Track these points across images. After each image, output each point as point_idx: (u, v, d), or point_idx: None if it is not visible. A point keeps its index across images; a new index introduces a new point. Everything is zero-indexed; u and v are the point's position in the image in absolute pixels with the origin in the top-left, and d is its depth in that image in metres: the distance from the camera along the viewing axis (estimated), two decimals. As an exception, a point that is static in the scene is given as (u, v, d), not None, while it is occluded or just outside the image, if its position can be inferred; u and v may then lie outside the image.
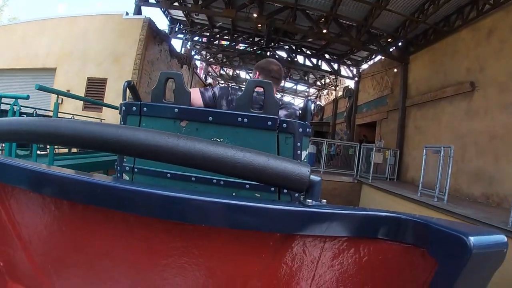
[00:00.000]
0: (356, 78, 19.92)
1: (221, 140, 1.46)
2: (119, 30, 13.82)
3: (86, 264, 0.75)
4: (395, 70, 14.78)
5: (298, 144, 1.47)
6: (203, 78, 26.96)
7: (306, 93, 32.78)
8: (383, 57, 16.72)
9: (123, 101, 1.60)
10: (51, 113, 11.02)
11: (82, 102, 12.68)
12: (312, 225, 0.66)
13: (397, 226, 0.66)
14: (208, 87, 1.93)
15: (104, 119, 12.59)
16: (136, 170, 1.57)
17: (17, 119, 0.71)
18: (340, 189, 12.59)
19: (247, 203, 0.63)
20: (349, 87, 20.80)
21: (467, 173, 9.80)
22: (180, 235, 0.69)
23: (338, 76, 23.18)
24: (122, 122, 1.53)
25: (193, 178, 1.50)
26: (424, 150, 9.42)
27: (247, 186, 1.49)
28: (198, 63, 24.23)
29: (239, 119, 1.43)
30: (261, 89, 1.62)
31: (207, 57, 25.05)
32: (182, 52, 19.88)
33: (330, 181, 12.47)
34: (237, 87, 2.04)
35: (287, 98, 34.93)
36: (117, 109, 1.79)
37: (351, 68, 20.25)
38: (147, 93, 13.95)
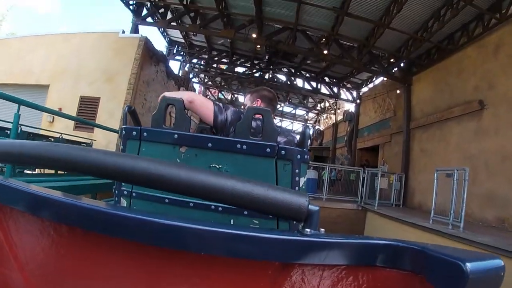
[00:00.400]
0: (357, 101, 19.52)
1: (220, 166, 1.46)
2: (114, 49, 13.46)
3: None
4: (398, 91, 14.37)
5: (297, 170, 1.47)
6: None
7: (305, 117, 32.46)
8: (385, 79, 16.41)
9: (123, 125, 1.60)
10: (41, 131, 10.78)
11: (73, 121, 12.22)
12: (310, 254, 0.66)
13: (394, 253, 0.67)
14: (222, 107, 1.87)
15: (95, 140, 12.04)
16: (134, 194, 1.55)
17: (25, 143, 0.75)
18: (344, 217, 11.83)
19: (246, 233, 0.64)
20: (350, 110, 20.40)
21: (479, 196, 9.12)
22: (180, 263, 0.69)
23: (338, 100, 22.86)
24: (122, 146, 1.55)
25: (191, 204, 1.48)
26: (436, 174, 8.76)
27: (245, 213, 1.46)
28: (196, 86, 23.87)
29: (238, 146, 1.43)
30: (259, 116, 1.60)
31: (205, 80, 24.74)
32: (180, 74, 19.55)
33: (333, 209, 11.74)
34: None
35: (285, 123, 34.71)
36: (109, 131, 2.29)
37: (351, 91, 19.91)
38: (141, 114, 13.61)
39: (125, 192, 1.56)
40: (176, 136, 1.48)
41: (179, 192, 0.67)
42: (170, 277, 0.71)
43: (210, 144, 1.46)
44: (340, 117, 23.93)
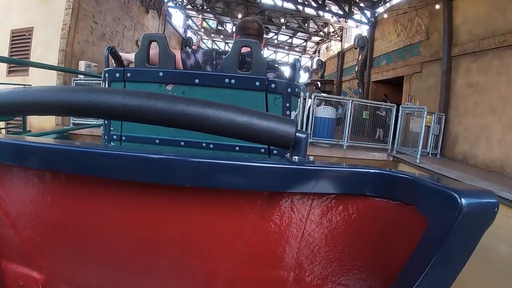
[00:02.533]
0: (372, 22, 15.97)
1: None
2: None
3: (75, 234, 0.74)
4: (437, 6, 10.89)
5: (287, 104, 1.45)
6: (181, 31, 22.59)
7: (304, 46, 28.67)
8: None
9: (105, 67, 1.56)
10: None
11: (6, 64, 9.29)
12: (298, 182, 0.65)
13: (385, 182, 0.65)
14: (190, 52, 1.79)
15: (30, 85, 8.81)
16: (124, 138, 1.54)
17: None
18: (369, 170, 9.10)
19: (232, 162, 0.62)
20: (362, 35, 16.87)
21: None
22: (167, 197, 0.68)
23: (346, 22, 19.20)
24: None
25: (182, 143, 1.50)
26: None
27: (237, 148, 1.48)
28: (173, 10, 19.78)
29: (226, 80, 1.41)
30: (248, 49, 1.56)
31: (183, 3, 20.54)
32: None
33: (357, 160, 9.00)
34: (221, 51, 1.87)
35: (280, 54, 30.96)
36: (50, 69, 2.89)
37: (365, 10, 16.24)
38: (90, 43, 10.37)
39: (115, 136, 1.54)
40: (161, 74, 1.44)
41: (158, 123, 0.62)
42: (156, 213, 0.69)
43: (197, 80, 1.44)
44: (347, 45, 20.46)
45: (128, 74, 1.47)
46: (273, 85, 1.43)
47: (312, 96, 8.76)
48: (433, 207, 0.57)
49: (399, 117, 9.45)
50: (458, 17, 10.26)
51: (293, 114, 1.49)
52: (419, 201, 0.60)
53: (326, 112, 9.11)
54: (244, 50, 1.59)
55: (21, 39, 9.51)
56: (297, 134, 0.64)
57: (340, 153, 8.87)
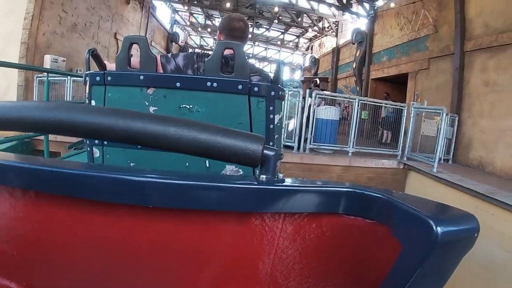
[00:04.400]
0: (371, 15, 14.95)
1: (191, 106, 1.43)
2: None
3: (49, 248, 0.74)
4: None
5: (271, 108, 1.43)
6: (168, 27, 21.30)
7: (296, 42, 27.59)
8: None
9: (86, 70, 1.51)
10: None
11: None
12: (266, 203, 0.65)
13: (359, 201, 0.66)
14: (170, 56, 1.77)
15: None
16: (105, 143, 1.50)
17: None
18: (377, 180, 7.99)
19: (198, 183, 0.62)
20: (361, 29, 15.84)
21: None
22: (137, 215, 0.67)
23: (341, 19, 18.17)
24: (87, 94, 1.46)
25: None
26: None
27: None
28: (157, 3, 18.49)
29: (208, 83, 1.39)
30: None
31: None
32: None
33: (364, 169, 7.90)
34: (203, 53, 1.81)
35: (271, 51, 29.89)
36: (9, 67, 2.40)
37: (363, 3, 15.21)
38: (57, 34, 9.15)
39: (96, 141, 1.49)
40: (142, 77, 1.41)
41: (118, 140, 0.62)
42: (128, 230, 0.68)
43: (178, 84, 1.40)
44: (342, 41, 19.43)
45: (109, 78, 1.42)
46: (256, 88, 1.41)
47: (313, 95, 7.61)
48: (408, 232, 0.56)
49: (408, 118, 8.43)
50: (472, 9, 9.27)
51: (277, 117, 1.47)
52: (393, 223, 0.60)
53: (328, 112, 7.93)
54: (228, 52, 1.52)
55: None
56: (265, 151, 0.62)
57: (345, 161, 7.77)
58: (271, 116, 1.45)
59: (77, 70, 9.88)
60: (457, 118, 9.07)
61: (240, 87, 1.39)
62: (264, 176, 0.63)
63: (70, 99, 7.82)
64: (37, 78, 7.84)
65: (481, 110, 8.72)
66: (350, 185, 0.68)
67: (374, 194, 0.64)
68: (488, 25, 8.69)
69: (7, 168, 0.63)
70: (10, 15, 7.97)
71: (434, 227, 0.50)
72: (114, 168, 0.68)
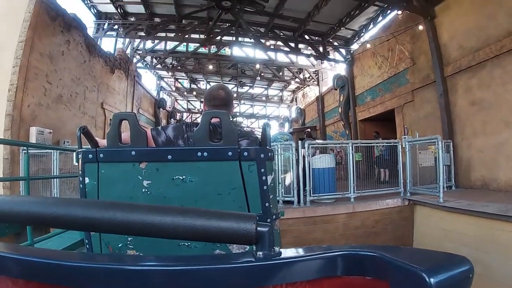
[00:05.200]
0: (348, 60, 15.26)
1: (184, 177, 1.44)
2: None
3: None
4: (420, 27, 10.08)
5: (262, 170, 1.45)
6: (154, 93, 21.61)
7: (280, 96, 28.09)
8: (385, 22, 12.52)
9: (78, 148, 1.54)
10: None
11: None
12: (267, 277, 0.66)
13: (355, 262, 0.68)
14: (160, 129, 1.85)
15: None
16: None
17: None
18: (384, 221, 7.49)
19: (199, 267, 0.64)
20: (341, 74, 16.08)
21: None
22: None
23: (320, 68, 18.59)
24: (80, 171, 1.48)
25: None
26: None
27: None
28: (142, 71, 18.85)
29: (199, 153, 1.41)
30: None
31: (153, 64, 19.72)
32: (115, 53, 14.62)
33: (369, 212, 7.42)
34: (191, 123, 1.91)
35: (257, 107, 30.35)
36: None
37: (339, 49, 15.60)
38: (42, 106, 8.94)
39: None
40: (133, 153, 1.43)
41: (117, 232, 0.66)
42: None
43: (170, 156, 1.43)
44: (324, 88, 19.73)
45: (101, 155, 1.44)
46: (245, 153, 1.42)
47: (306, 145, 7.30)
48: (405, 286, 0.58)
49: (404, 153, 8.11)
50: (445, 34, 9.47)
51: (269, 178, 1.48)
52: (390, 278, 0.62)
53: (324, 161, 7.58)
54: (215, 120, 1.59)
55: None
56: (259, 228, 0.64)
57: (348, 208, 7.31)
58: (264, 177, 1.45)
59: (64, 142, 9.57)
60: (451, 143, 8.83)
61: (230, 153, 1.41)
62: (261, 253, 0.65)
63: (57, 173, 7.43)
64: (23, 151, 7.47)
65: (474, 130, 8.53)
66: (345, 246, 0.71)
67: (369, 254, 0.67)
68: (463, 46, 8.80)
69: (13, 261, 0.66)
70: None
71: (427, 279, 0.53)
72: (110, 257, 0.79)
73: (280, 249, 0.69)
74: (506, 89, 7.55)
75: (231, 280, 0.65)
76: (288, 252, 0.70)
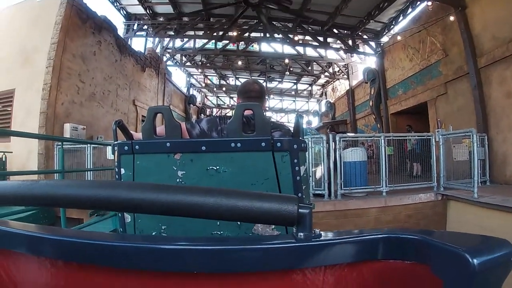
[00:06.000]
0: (379, 52, 15.06)
1: (218, 167, 1.46)
2: (31, 18, 9.28)
3: None
4: (451, 18, 9.86)
5: (295, 160, 1.45)
6: (184, 90, 22.14)
7: (310, 90, 27.95)
8: (416, 13, 12.30)
9: (114, 141, 1.57)
10: None
11: None
12: (306, 258, 0.67)
13: (396, 245, 0.68)
14: (194, 122, 1.92)
15: (11, 152, 7.92)
16: None
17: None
18: (417, 216, 7.49)
19: (236, 247, 0.68)
20: (371, 67, 15.90)
21: None
22: (176, 283, 0.70)
23: (350, 61, 18.41)
24: (116, 162, 1.52)
25: None
26: None
27: None
28: (172, 69, 19.36)
29: (232, 144, 1.43)
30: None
31: (183, 61, 20.18)
32: (146, 53, 15.14)
33: (402, 206, 7.41)
34: (225, 116, 2.30)
35: (287, 102, 30.35)
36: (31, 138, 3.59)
37: (369, 42, 15.42)
38: (75, 103, 9.46)
39: None
40: (168, 144, 1.46)
41: (162, 213, 0.67)
42: None
43: (204, 147, 1.45)
44: (354, 82, 19.54)
45: (137, 147, 1.48)
46: (278, 144, 1.43)
47: (337, 139, 7.37)
48: (446, 268, 0.58)
49: (438, 147, 8.02)
50: (477, 25, 9.21)
51: (302, 169, 1.47)
52: (431, 261, 0.61)
53: (355, 154, 7.63)
54: (248, 112, 1.64)
55: (1, 103, 8.77)
56: (300, 210, 0.65)
57: (380, 202, 7.34)
58: (297, 168, 1.46)
59: (97, 137, 10.08)
60: (486, 137, 8.62)
61: (263, 144, 1.43)
62: (301, 234, 0.66)
63: (91, 166, 7.88)
64: (57, 146, 7.96)
65: (510, 124, 8.31)
66: (386, 230, 0.70)
67: (410, 236, 0.66)
68: (496, 37, 8.55)
69: (51, 242, 0.70)
70: (31, 88, 8.38)
71: (471, 260, 0.52)
72: (162, 238, 0.79)
73: (321, 231, 0.70)
74: (543, 80, 7.32)
75: (272, 260, 0.66)
76: (329, 235, 0.71)
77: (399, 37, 13.26)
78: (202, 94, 28.91)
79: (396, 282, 0.69)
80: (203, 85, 26.50)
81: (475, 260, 0.52)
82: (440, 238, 0.63)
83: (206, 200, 0.64)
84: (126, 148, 1.48)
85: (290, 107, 30.87)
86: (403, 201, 7.44)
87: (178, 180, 1.48)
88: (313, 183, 7.48)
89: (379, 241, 0.69)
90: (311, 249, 0.66)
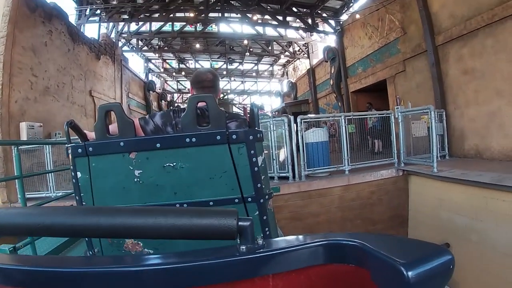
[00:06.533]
0: (338, 31, 15.05)
1: (174, 164, 1.44)
2: None
3: None
4: (409, -5, 9.93)
5: (252, 151, 1.46)
6: (142, 76, 21.24)
7: (271, 70, 27.79)
8: None
9: (67, 143, 1.54)
10: None
11: None
12: (252, 270, 0.69)
13: (337, 250, 0.71)
14: (147, 118, 1.86)
15: None
16: None
17: None
18: (380, 192, 7.66)
19: (180, 265, 0.68)
20: (331, 46, 15.90)
21: None
22: None
23: (309, 40, 18.33)
24: (72, 166, 1.49)
25: None
26: None
27: (211, 203, 1.47)
28: (129, 55, 18.45)
29: (187, 139, 1.42)
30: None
31: (140, 46, 19.29)
32: (100, 39, 14.24)
33: (364, 184, 7.55)
34: (179, 109, 1.90)
35: (248, 83, 30.06)
36: None
37: (328, 20, 15.36)
38: (30, 100, 8.78)
39: None
40: (122, 144, 1.44)
41: (104, 236, 0.73)
42: None
43: (158, 144, 1.43)
44: (315, 61, 19.54)
45: (90, 148, 1.44)
46: (234, 136, 1.43)
47: (298, 120, 7.29)
48: (383, 277, 0.60)
49: (397, 123, 8.16)
50: (435, 3, 9.33)
51: (260, 159, 1.48)
52: (371, 268, 0.64)
53: (317, 135, 7.61)
54: (202, 103, 1.58)
55: None
56: (240, 223, 0.66)
57: (343, 180, 7.45)
58: (254, 159, 1.46)
59: (55, 133, 9.44)
60: (444, 113, 8.89)
61: (218, 137, 1.42)
62: (243, 247, 0.68)
63: (51, 165, 7.43)
64: (14, 149, 7.39)
65: (466, 100, 8.55)
66: (329, 235, 0.74)
67: (350, 243, 0.70)
68: (454, 15, 8.68)
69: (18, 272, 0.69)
70: None
71: (405, 272, 0.54)
72: (103, 260, 0.82)
73: (264, 241, 0.71)
74: (498, 58, 7.52)
75: (216, 274, 0.67)
76: (271, 244, 0.72)
77: (358, 15, 13.29)
78: (162, 79, 27.96)
79: (342, 285, 0.72)
80: (162, 70, 25.61)
81: (409, 273, 0.54)
82: (379, 245, 0.64)
83: (145, 222, 0.65)
84: (79, 150, 1.45)
85: (252, 88, 30.62)
86: (365, 178, 7.59)
87: (135, 179, 1.45)
88: (277, 166, 7.46)
89: (321, 248, 0.71)
90: (255, 260, 0.68)
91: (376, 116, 9.19)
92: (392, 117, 8.29)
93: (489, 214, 5.63)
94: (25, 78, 8.58)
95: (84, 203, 1.51)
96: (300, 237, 0.79)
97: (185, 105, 1.70)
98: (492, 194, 5.60)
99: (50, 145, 7.54)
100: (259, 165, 1.48)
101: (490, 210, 5.63)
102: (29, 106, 8.72)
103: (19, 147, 4.68)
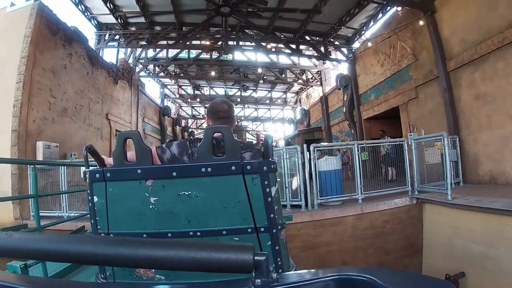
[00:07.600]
0: (350, 59, 15.18)
1: (189, 192, 1.47)
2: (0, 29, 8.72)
3: None
4: (421, 22, 10.00)
5: (266, 182, 1.47)
6: (158, 101, 21.68)
7: (284, 98, 28.00)
8: (386, 18, 12.50)
9: (85, 168, 1.56)
10: None
11: None
12: None
13: (348, 285, 0.73)
14: (164, 146, 1.87)
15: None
16: (111, 235, 1.55)
17: None
18: (393, 221, 7.43)
19: None
20: (343, 74, 16.00)
21: None
22: None
23: (322, 68, 18.50)
24: (89, 191, 1.52)
25: (169, 234, 1.51)
26: None
27: (224, 232, 1.48)
28: (145, 80, 18.90)
29: (203, 169, 1.44)
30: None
31: (156, 72, 19.80)
32: (118, 64, 14.69)
33: (377, 213, 7.34)
34: (195, 139, 1.90)
35: (262, 110, 30.30)
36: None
37: (341, 48, 15.54)
38: (47, 120, 8.96)
39: (102, 234, 1.55)
40: (139, 171, 1.46)
41: (125, 266, 0.73)
42: None
43: (174, 173, 1.46)
44: (328, 88, 19.65)
45: (108, 174, 1.47)
46: (248, 167, 1.44)
47: (311, 148, 7.24)
48: None
49: (410, 151, 8.01)
50: (446, 28, 9.37)
51: (273, 189, 1.49)
52: None
53: (330, 163, 7.53)
54: (217, 134, 1.61)
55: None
56: (256, 258, 0.68)
57: (356, 209, 7.26)
58: (268, 189, 1.47)
59: (71, 154, 9.58)
60: (457, 139, 8.74)
61: (233, 168, 1.43)
62: (259, 280, 0.71)
63: (66, 186, 7.57)
64: (30, 167, 7.55)
65: (479, 124, 8.42)
66: (342, 269, 0.77)
67: (360, 278, 0.72)
68: (464, 40, 8.70)
69: None
70: (1, 105, 7.95)
71: None
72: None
73: (278, 275, 0.73)
74: (509, 81, 7.46)
75: None
76: (285, 278, 0.74)
77: (370, 43, 13.43)
78: (177, 105, 28.48)
79: None
80: (177, 95, 26.12)
81: None
82: (389, 280, 0.68)
83: (167, 254, 0.67)
84: (97, 175, 1.48)
85: (266, 115, 30.87)
86: (379, 207, 7.37)
87: (151, 206, 1.47)
88: (290, 194, 7.36)
89: (332, 282, 0.73)
90: None
91: (390, 143, 9.06)
92: (406, 144, 8.13)
93: (504, 241, 5.38)
94: (44, 98, 8.83)
95: (98, 227, 1.54)
96: (313, 271, 0.81)
97: (200, 131, 1.73)
98: (507, 221, 5.38)
99: (66, 166, 7.66)
100: (273, 195, 1.49)
101: (505, 237, 5.38)
102: (47, 126, 8.93)
103: (36, 166, 4.81)
